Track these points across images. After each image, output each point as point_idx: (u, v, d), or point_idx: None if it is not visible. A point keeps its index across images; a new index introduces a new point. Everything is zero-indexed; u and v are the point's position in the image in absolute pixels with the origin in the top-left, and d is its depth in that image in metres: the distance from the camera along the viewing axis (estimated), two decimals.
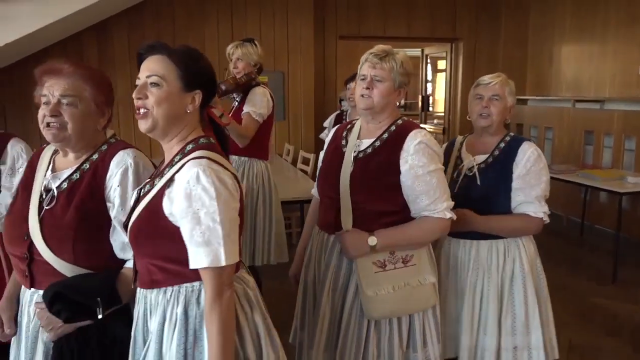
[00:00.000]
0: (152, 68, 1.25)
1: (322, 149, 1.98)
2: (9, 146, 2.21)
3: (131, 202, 1.33)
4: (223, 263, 1.16)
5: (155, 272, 1.25)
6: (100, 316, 1.36)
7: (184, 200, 1.17)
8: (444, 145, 2.18)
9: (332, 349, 1.74)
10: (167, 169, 1.27)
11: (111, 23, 5.14)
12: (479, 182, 1.94)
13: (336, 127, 1.99)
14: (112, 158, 1.44)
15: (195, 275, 1.21)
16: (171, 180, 1.22)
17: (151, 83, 1.24)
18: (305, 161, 5.09)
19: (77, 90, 1.41)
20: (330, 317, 1.75)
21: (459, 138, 2.16)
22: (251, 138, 2.79)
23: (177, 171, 1.22)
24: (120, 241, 1.43)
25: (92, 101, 1.44)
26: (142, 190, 1.30)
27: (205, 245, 1.16)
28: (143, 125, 1.26)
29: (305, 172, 4.69)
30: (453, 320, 2.00)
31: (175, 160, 1.26)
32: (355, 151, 1.74)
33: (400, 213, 1.68)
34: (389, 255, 1.69)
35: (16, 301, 1.56)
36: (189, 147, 1.27)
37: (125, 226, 1.32)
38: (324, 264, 1.80)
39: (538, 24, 6.29)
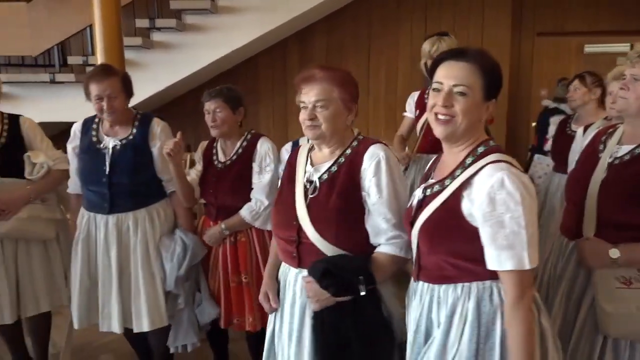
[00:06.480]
0: (458, 76, 1.28)
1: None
2: (258, 145, 2.37)
3: (414, 201, 1.41)
4: (527, 267, 1.19)
5: (447, 268, 1.31)
6: (363, 293, 1.47)
7: (487, 204, 1.20)
8: None
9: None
10: (458, 170, 1.30)
11: (312, 29, 5.50)
12: None
13: (595, 132, 1.85)
14: (365, 152, 1.56)
15: (487, 274, 1.25)
16: (468, 182, 1.26)
17: (459, 92, 1.28)
18: None
19: (327, 93, 1.54)
20: (561, 326, 1.66)
21: None
22: None
23: (474, 174, 1.25)
24: (375, 226, 1.53)
25: (340, 100, 1.56)
26: (430, 189, 1.36)
27: (509, 248, 1.19)
28: (444, 131, 1.31)
29: None
30: None
31: (467, 162, 1.29)
32: (610, 157, 1.61)
33: None
34: (637, 272, 1.53)
35: (276, 279, 1.74)
36: (480, 149, 1.30)
37: (410, 223, 1.40)
38: (559, 269, 1.71)
39: None
